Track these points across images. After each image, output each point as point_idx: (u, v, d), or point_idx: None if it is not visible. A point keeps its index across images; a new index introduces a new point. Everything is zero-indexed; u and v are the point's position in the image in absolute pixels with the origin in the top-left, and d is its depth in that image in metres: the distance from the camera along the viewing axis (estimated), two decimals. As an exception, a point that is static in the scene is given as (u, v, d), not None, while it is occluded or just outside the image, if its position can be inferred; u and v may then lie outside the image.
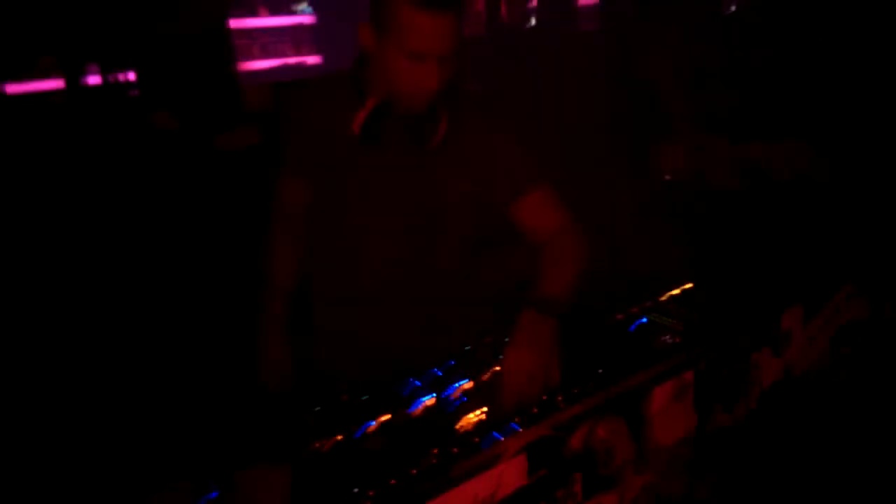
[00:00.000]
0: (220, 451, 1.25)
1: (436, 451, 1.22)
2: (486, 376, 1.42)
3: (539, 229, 1.64)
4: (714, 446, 1.39)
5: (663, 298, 1.61)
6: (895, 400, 1.58)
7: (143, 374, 2.42)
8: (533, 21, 4.10)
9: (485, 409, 1.34)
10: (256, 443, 1.27)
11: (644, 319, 1.54)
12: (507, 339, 1.41)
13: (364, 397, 1.38)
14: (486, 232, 1.70)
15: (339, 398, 1.38)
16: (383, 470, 1.16)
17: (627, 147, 3.05)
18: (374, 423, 1.31)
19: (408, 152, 1.57)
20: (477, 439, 1.23)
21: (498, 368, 1.41)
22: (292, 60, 4.22)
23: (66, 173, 2.79)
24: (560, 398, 1.31)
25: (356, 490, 1.14)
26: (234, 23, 3.51)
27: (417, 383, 1.42)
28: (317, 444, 1.27)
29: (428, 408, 1.36)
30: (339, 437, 1.28)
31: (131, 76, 2.99)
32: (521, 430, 1.23)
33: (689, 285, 1.63)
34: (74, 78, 2.92)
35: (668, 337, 1.47)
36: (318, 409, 1.36)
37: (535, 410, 1.29)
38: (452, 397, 1.39)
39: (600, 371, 1.36)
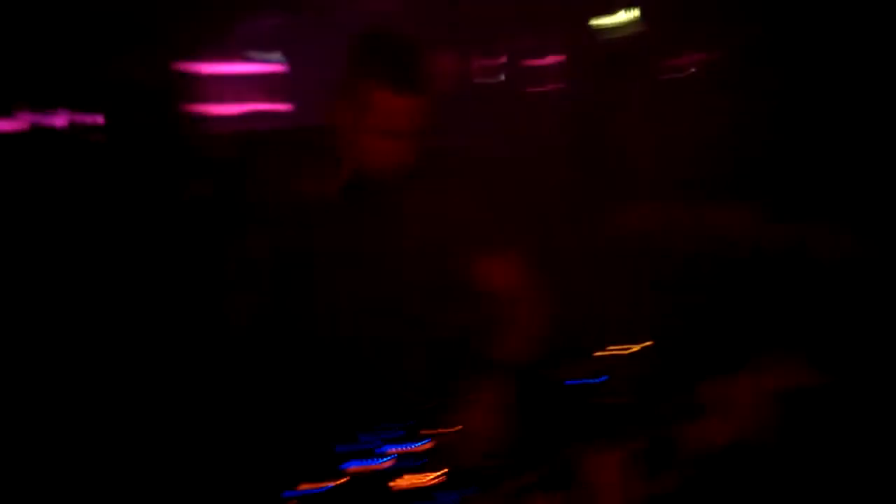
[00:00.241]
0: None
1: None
2: (444, 437, 1.43)
3: (499, 290, 1.68)
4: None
5: (613, 361, 1.64)
6: (827, 463, 1.61)
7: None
8: (502, 78, 4.19)
9: (443, 470, 1.34)
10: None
11: (594, 380, 1.57)
12: (464, 398, 1.43)
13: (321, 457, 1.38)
14: (452, 282, 1.72)
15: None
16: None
17: (591, 206, 3.12)
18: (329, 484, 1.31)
19: (376, 216, 1.63)
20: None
21: (458, 428, 1.42)
22: (260, 107, 4.24)
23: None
24: (505, 465, 1.32)
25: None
26: (199, 67, 3.52)
27: (374, 442, 1.42)
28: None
29: (382, 470, 1.36)
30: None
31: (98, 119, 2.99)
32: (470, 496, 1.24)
33: (637, 348, 1.66)
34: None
35: (615, 402, 1.50)
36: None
37: (482, 477, 1.30)
38: (408, 458, 1.39)
39: (551, 438, 1.38)
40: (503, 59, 4.07)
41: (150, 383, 1.90)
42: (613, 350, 1.68)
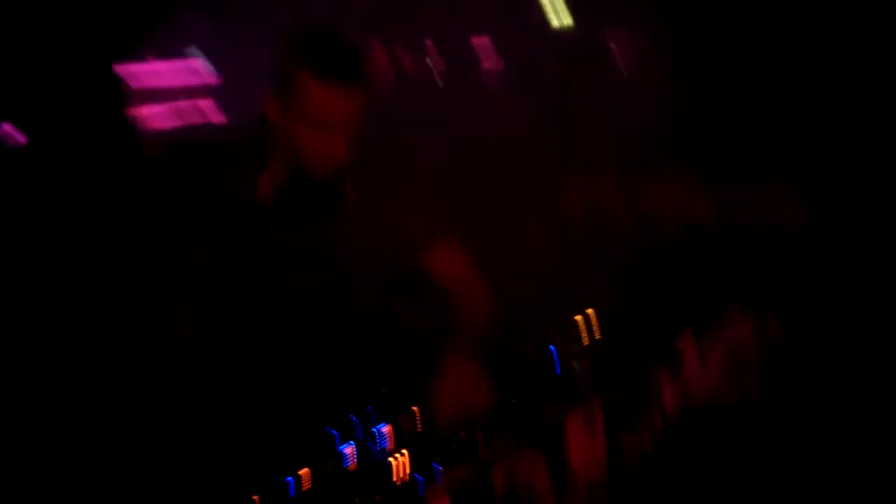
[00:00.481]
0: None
1: (357, 501, 1.24)
2: (405, 419, 1.45)
3: (448, 276, 1.70)
4: (625, 468, 1.47)
5: (571, 328, 1.69)
6: (788, 418, 1.70)
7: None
8: (442, 72, 4.21)
9: (405, 452, 1.36)
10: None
11: (553, 349, 1.61)
12: (432, 376, 1.45)
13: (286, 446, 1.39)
14: (401, 277, 1.75)
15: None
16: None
17: (542, 188, 3.18)
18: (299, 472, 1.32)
19: (316, 216, 1.59)
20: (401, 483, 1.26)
21: (432, 403, 1.44)
22: (194, 107, 4.12)
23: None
24: (479, 434, 1.36)
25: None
26: (124, 68, 3.41)
27: (335, 431, 1.43)
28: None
29: (349, 454, 1.38)
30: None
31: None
32: (443, 469, 1.27)
33: (592, 312, 1.71)
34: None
35: (576, 365, 1.54)
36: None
37: (456, 448, 1.33)
38: (374, 442, 1.41)
39: (516, 404, 1.42)
40: (442, 54, 4.11)
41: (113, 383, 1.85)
42: (575, 321, 1.73)
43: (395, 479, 1.31)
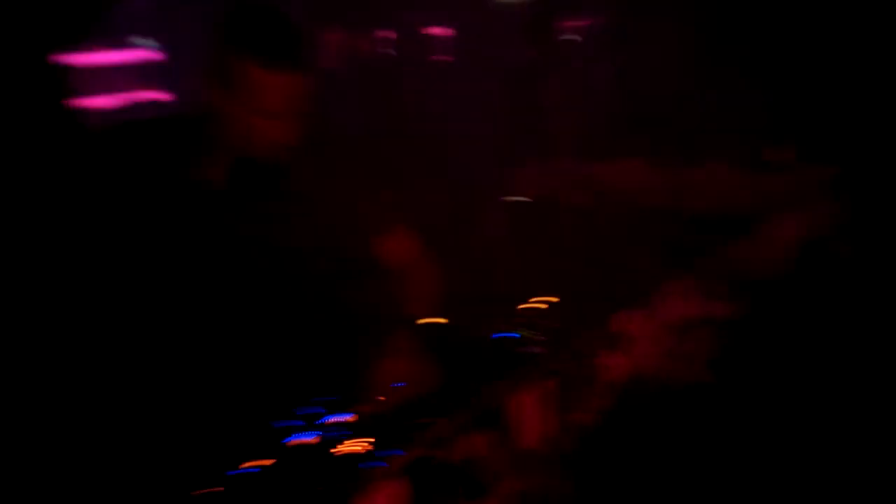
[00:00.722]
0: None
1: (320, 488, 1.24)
2: (371, 399, 1.46)
3: (398, 261, 1.70)
4: (576, 444, 1.50)
5: (524, 311, 1.71)
6: (737, 396, 1.74)
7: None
8: (393, 53, 4.17)
9: (366, 439, 1.37)
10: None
11: (508, 333, 1.64)
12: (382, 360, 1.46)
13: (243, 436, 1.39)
14: (351, 265, 1.74)
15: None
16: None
17: (498, 171, 3.19)
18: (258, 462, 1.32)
19: (263, 201, 1.57)
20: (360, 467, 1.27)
21: (381, 386, 1.45)
22: (138, 96, 4.04)
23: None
24: (431, 415, 1.37)
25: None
26: (73, 58, 3.33)
27: (307, 415, 1.43)
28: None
29: (300, 442, 1.38)
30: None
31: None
32: (396, 452, 1.28)
33: (546, 299, 1.74)
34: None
35: (527, 344, 1.57)
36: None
37: (408, 430, 1.34)
38: (340, 426, 1.41)
39: (471, 385, 1.44)
40: (393, 34, 4.08)
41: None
42: (527, 301, 1.75)
43: (348, 464, 1.32)
